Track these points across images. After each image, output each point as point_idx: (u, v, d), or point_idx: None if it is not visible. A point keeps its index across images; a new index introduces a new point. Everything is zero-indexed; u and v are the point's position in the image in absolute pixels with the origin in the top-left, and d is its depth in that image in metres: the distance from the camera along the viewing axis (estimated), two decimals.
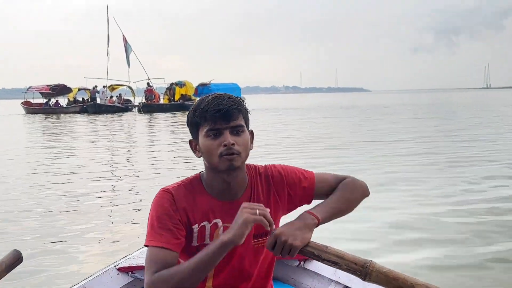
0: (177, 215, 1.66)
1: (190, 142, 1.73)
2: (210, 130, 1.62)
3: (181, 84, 37.59)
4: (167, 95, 37.23)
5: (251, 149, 1.70)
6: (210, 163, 1.66)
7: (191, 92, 37.30)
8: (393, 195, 5.89)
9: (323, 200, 1.75)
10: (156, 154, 10.66)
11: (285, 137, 14.03)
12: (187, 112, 1.71)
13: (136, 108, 36.27)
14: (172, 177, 6.65)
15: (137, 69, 43.01)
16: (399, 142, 12.07)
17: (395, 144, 11.59)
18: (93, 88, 37.06)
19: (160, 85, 39.84)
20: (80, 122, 25.19)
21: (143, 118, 28.13)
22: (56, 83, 38.19)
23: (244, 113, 1.67)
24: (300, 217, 1.64)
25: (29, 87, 38.70)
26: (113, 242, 4.40)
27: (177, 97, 36.71)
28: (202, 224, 1.70)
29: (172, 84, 37.39)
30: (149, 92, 36.48)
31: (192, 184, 1.72)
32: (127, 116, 31.50)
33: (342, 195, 1.76)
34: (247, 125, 1.69)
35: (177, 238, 1.62)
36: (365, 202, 1.81)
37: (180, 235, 1.64)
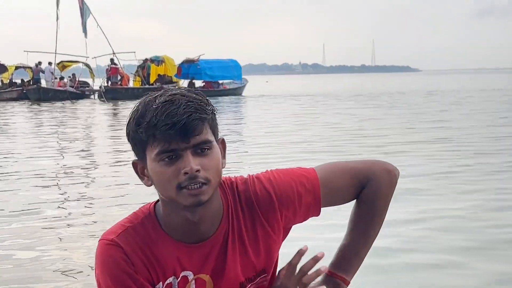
0: (138, 275, 1.66)
1: (133, 164, 1.69)
2: (163, 153, 1.58)
3: (158, 61, 37.78)
4: (138, 75, 37.22)
5: (223, 167, 1.68)
6: (165, 196, 1.64)
7: (172, 72, 37.38)
8: None
9: (346, 242, 1.83)
10: (122, 166, 10.34)
11: (303, 142, 13.05)
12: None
13: (96, 93, 36.19)
14: (146, 197, 6.35)
15: (97, 40, 42.86)
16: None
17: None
18: (36, 65, 36.96)
19: (129, 62, 39.81)
20: (18, 114, 25.10)
21: (106, 108, 28.05)
22: None
23: (211, 119, 1.63)
24: (324, 281, 1.65)
25: None
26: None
27: (152, 78, 36.69)
28: (167, 281, 1.70)
29: (146, 60, 37.39)
30: (113, 72, 36.36)
31: (144, 226, 1.70)
32: (83, 104, 31.38)
33: (373, 222, 1.81)
34: (216, 135, 1.66)
35: None
36: None
37: None
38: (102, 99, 33.55)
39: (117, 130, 17.27)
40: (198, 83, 37.70)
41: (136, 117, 1.61)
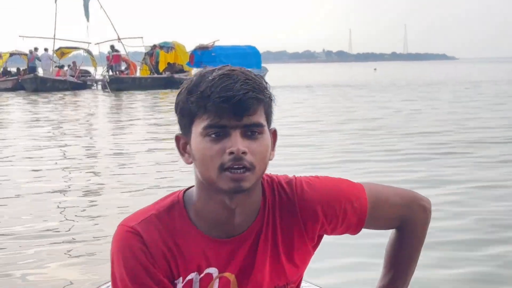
0: (157, 268, 1.67)
1: (176, 138, 1.72)
2: (211, 127, 1.61)
3: (168, 47, 37.50)
4: (145, 63, 36.99)
5: (271, 159, 1.70)
6: (204, 177, 1.65)
7: (183, 60, 37.13)
8: None
9: (385, 284, 1.98)
10: (131, 166, 10.26)
11: (341, 142, 12.72)
12: (177, 92, 1.70)
13: (100, 83, 36.01)
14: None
15: (100, 24, 42.69)
16: None
17: None
18: (31, 52, 36.75)
19: (135, 48, 39.53)
20: (12, 107, 24.98)
21: (110, 100, 27.89)
22: None
23: (267, 104, 1.67)
24: None
25: None
26: None
27: (161, 67, 36.43)
28: (189, 277, 1.71)
29: (154, 47, 37.12)
30: (116, 59, 36.18)
31: (170, 215, 1.72)
32: (85, 95, 31.26)
33: (416, 250, 1.97)
34: (269, 123, 1.70)
35: None
36: None
37: None
38: (106, 89, 33.40)
39: (124, 129, 16.97)
40: None
41: (189, 86, 1.64)
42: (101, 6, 36.68)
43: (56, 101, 27.18)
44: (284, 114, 17.30)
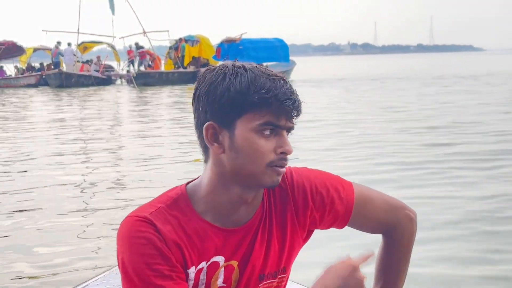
0: (171, 255, 1.69)
1: (208, 127, 1.71)
2: (269, 124, 1.66)
3: (192, 41, 36.95)
4: (170, 58, 36.47)
5: None
6: (244, 170, 1.69)
7: (208, 54, 36.60)
8: None
9: (382, 272, 2.06)
10: (162, 168, 9.86)
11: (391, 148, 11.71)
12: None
13: (126, 79, 35.51)
14: None
15: (125, 18, 42.33)
16: None
17: None
18: (56, 46, 36.32)
19: (159, 42, 38.96)
20: (36, 103, 24.59)
21: (139, 96, 27.52)
22: (0, 39, 37.97)
23: None
24: None
25: None
26: None
27: (187, 61, 35.93)
28: (200, 266, 1.75)
29: (180, 40, 36.55)
30: (143, 55, 35.76)
31: (177, 206, 1.76)
32: (110, 91, 30.83)
33: (404, 258, 2.05)
34: None
35: (181, 283, 1.68)
36: None
37: (182, 278, 1.69)
38: (132, 84, 32.94)
39: (154, 131, 16.51)
40: None
41: (246, 79, 1.65)
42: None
43: (83, 97, 26.79)
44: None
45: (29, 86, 34.56)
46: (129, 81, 34.43)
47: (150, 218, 1.69)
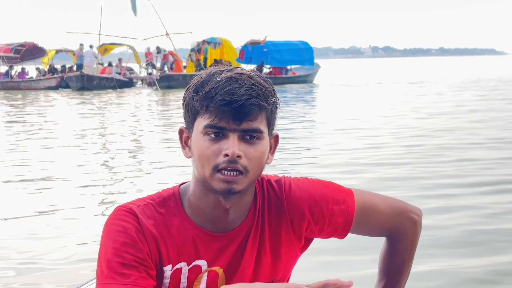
0: (145, 247, 1.72)
1: (180, 131, 1.80)
2: (211, 127, 1.68)
3: (215, 43, 36.40)
4: (191, 60, 35.90)
5: (268, 163, 1.77)
6: (200, 174, 1.72)
7: (231, 56, 36.04)
8: None
9: (385, 272, 2.06)
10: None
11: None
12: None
13: (147, 81, 34.96)
14: None
15: (147, 19, 41.92)
16: None
17: None
18: (81, 48, 35.84)
19: (180, 44, 38.38)
20: (59, 106, 24.25)
21: (159, 100, 27.03)
22: (21, 41, 37.69)
23: (270, 111, 1.72)
24: None
25: None
26: None
27: (209, 63, 35.26)
28: (178, 266, 1.77)
29: (202, 42, 35.99)
30: (166, 57, 35.29)
31: (166, 204, 1.80)
32: (133, 94, 30.34)
33: (407, 260, 2.04)
34: (271, 129, 1.76)
35: (147, 277, 1.69)
36: None
37: (150, 275, 1.70)
38: (155, 87, 32.43)
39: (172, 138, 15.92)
40: (265, 69, 36.29)
41: (197, 84, 1.71)
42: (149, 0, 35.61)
43: (107, 100, 26.32)
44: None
45: (49, 88, 34.14)
46: (150, 84, 33.89)
47: (135, 210, 1.74)
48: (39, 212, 7.05)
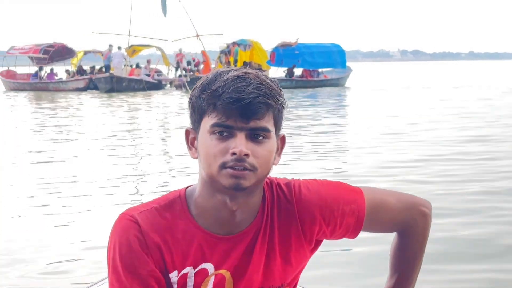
0: (150, 258, 1.74)
1: (186, 132, 1.81)
2: (218, 126, 1.68)
3: (245, 45, 35.91)
4: (220, 62, 35.38)
5: (275, 164, 1.78)
6: (207, 174, 1.72)
7: (261, 58, 35.52)
8: None
9: (397, 267, 2.05)
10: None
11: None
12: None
13: (176, 83, 34.46)
14: None
15: (177, 20, 41.55)
16: None
17: None
18: (110, 49, 35.38)
19: (210, 46, 37.88)
20: (89, 107, 23.79)
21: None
22: (50, 41, 37.54)
23: (277, 110, 1.73)
24: None
25: (11, 48, 38.64)
26: None
27: (239, 65, 34.67)
28: (184, 271, 1.76)
29: (232, 44, 35.42)
30: (196, 62, 35.00)
31: (171, 209, 1.79)
32: (161, 96, 29.82)
33: (418, 253, 2.03)
34: (278, 129, 1.77)
35: None
36: None
37: (160, 286, 1.73)
38: (184, 89, 31.89)
39: None
40: (296, 72, 35.68)
41: (204, 83, 1.72)
42: (180, 0, 35.11)
43: (135, 102, 25.86)
44: None
45: (77, 90, 33.82)
46: (179, 86, 33.36)
47: (137, 219, 1.75)
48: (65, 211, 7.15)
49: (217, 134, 1.67)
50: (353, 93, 30.89)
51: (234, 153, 1.65)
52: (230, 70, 1.73)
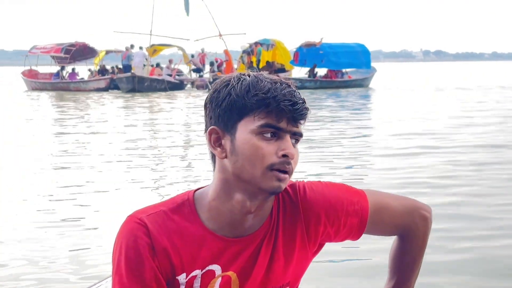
0: (156, 263, 1.74)
1: (211, 131, 1.77)
2: (269, 126, 1.69)
3: (267, 45, 35.51)
4: (243, 62, 34.95)
5: None
6: (243, 174, 1.71)
7: (284, 58, 35.13)
8: None
9: (396, 270, 2.07)
10: None
11: None
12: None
13: (198, 84, 34.09)
14: None
15: (199, 19, 41.38)
16: None
17: None
18: (127, 48, 35.03)
19: (231, 46, 37.47)
20: (109, 111, 23.47)
21: None
22: (72, 41, 37.50)
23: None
24: None
25: (33, 47, 38.58)
26: None
27: (261, 65, 34.36)
28: (192, 274, 1.77)
29: (255, 44, 34.95)
30: (219, 63, 34.70)
31: (180, 212, 1.79)
32: (184, 97, 29.43)
33: (417, 257, 2.04)
34: None
35: None
36: None
37: None
38: (207, 89, 31.50)
39: None
40: (320, 72, 35.14)
41: (247, 83, 1.71)
42: None
43: (156, 103, 25.53)
44: None
45: (98, 90, 33.63)
46: (201, 86, 32.98)
47: (146, 221, 1.74)
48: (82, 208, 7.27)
49: (267, 135, 1.69)
50: (381, 94, 30.28)
51: (284, 155, 1.68)
52: (256, 74, 1.75)
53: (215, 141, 1.75)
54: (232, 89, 1.72)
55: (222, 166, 1.74)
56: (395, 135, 13.41)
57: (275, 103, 1.67)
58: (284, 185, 1.71)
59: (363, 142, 12.79)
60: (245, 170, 1.69)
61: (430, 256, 4.35)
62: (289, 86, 1.71)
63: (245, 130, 1.69)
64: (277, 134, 1.69)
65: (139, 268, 1.72)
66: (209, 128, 1.76)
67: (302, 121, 1.72)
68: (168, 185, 8.83)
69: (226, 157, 1.73)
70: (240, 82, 1.72)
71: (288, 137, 1.70)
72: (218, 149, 1.75)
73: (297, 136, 1.73)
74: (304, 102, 1.71)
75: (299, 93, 1.72)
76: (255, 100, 1.68)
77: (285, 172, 1.69)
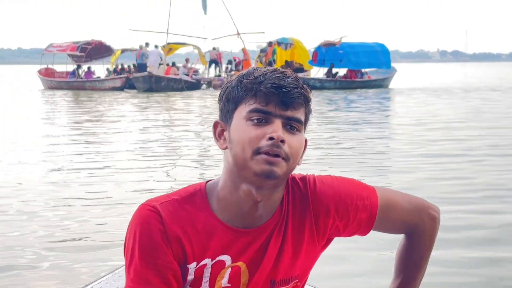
0: (169, 249, 1.75)
1: (215, 124, 1.84)
2: (256, 111, 1.71)
3: (286, 44, 35.13)
4: (260, 62, 34.54)
5: (298, 164, 1.80)
6: (238, 161, 1.73)
7: (303, 58, 34.67)
8: None
9: (402, 269, 2.06)
10: None
11: None
12: None
13: (215, 83, 33.69)
14: None
15: (218, 18, 41.02)
16: None
17: None
18: (140, 47, 34.39)
19: (249, 45, 37.00)
20: (125, 111, 23.04)
21: None
22: (88, 39, 37.28)
23: (308, 108, 1.80)
24: None
25: (49, 45, 38.42)
26: None
27: (278, 64, 33.73)
28: (202, 262, 1.78)
29: (270, 44, 34.50)
30: (237, 62, 34.40)
31: (192, 201, 1.81)
32: (203, 97, 28.94)
33: (424, 256, 2.04)
34: (305, 128, 1.81)
35: (169, 284, 1.73)
36: None
37: (175, 278, 1.75)
38: None
39: None
40: (340, 72, 34.60)
41: (241, 75, 1.77)
42: None
43: (173, 104, 25.08)
44: None
45: (114, 89, 33.30)
46: (220, 86, 32.52)
47: (159, 209, 1.75)
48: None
49: (254, 120, 1.70)
50: (403, 95, 29.61)
51: (271, 138, 1.67)
52: (265, 67, 1.76)
53: (219, 134, 1.81)
54: (229, 83, 1.79)
55: (226, 156, 1.78)
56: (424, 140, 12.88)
57: (262, 87, 1.69)
58: (278, 170, 1.68)
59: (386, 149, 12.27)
60: (238, 156, 1.71)
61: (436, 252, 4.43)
62: (282, 73, 1.73)
63: (238, 118, 1.73)
64: (266, 119, 1.70)
65: (154, 254, 1.72)
66: (214, 122, 1.83)
67: (295, 106, 1.72)
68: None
69: (227, 147, 1.76)
70: (238, 76, 1.78)
71: (278, 121, 1.70)
72: (221, 140, 1.79)
73: (292, 122, 1.72)
74: (297, 87, 1.71)
75: (294, 80, 1.72)
76: (244, 87, 1.72)
77: (275, 155, 1.67)
